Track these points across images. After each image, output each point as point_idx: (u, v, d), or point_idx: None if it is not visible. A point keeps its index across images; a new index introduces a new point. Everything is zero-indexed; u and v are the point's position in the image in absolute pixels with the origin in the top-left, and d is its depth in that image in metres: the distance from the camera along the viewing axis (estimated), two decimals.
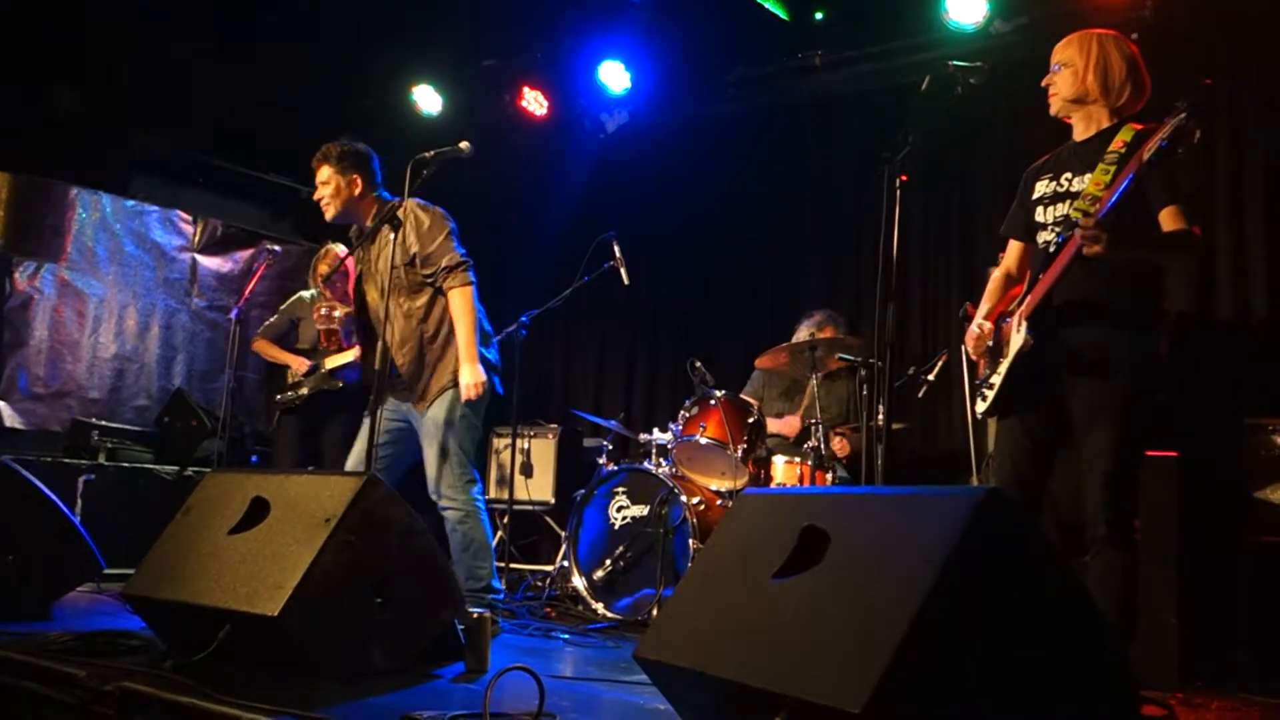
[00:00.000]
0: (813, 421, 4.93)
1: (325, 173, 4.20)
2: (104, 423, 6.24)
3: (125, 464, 5.90)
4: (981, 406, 3.19)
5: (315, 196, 4.17)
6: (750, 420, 4.91)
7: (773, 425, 5.36)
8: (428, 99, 7.30)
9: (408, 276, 4.08)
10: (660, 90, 6.73)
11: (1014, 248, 3.37)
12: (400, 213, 4.01)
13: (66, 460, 5.72)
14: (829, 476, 4.93)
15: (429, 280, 4.08)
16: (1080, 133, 3.17)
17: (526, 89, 7.05)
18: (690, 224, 7.02)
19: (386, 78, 7.39)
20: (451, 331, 4.08)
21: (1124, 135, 3.01)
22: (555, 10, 6.53)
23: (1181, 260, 3.10)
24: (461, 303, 4.04)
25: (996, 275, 3.39)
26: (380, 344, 3.90)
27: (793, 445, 5.33)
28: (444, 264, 4.05)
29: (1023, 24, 5.39)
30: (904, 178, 3.26)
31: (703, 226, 6.99)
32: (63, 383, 6.59)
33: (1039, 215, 3.16)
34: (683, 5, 6.36)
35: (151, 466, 5.96)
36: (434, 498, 4.05)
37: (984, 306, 3.34)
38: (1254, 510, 4.01)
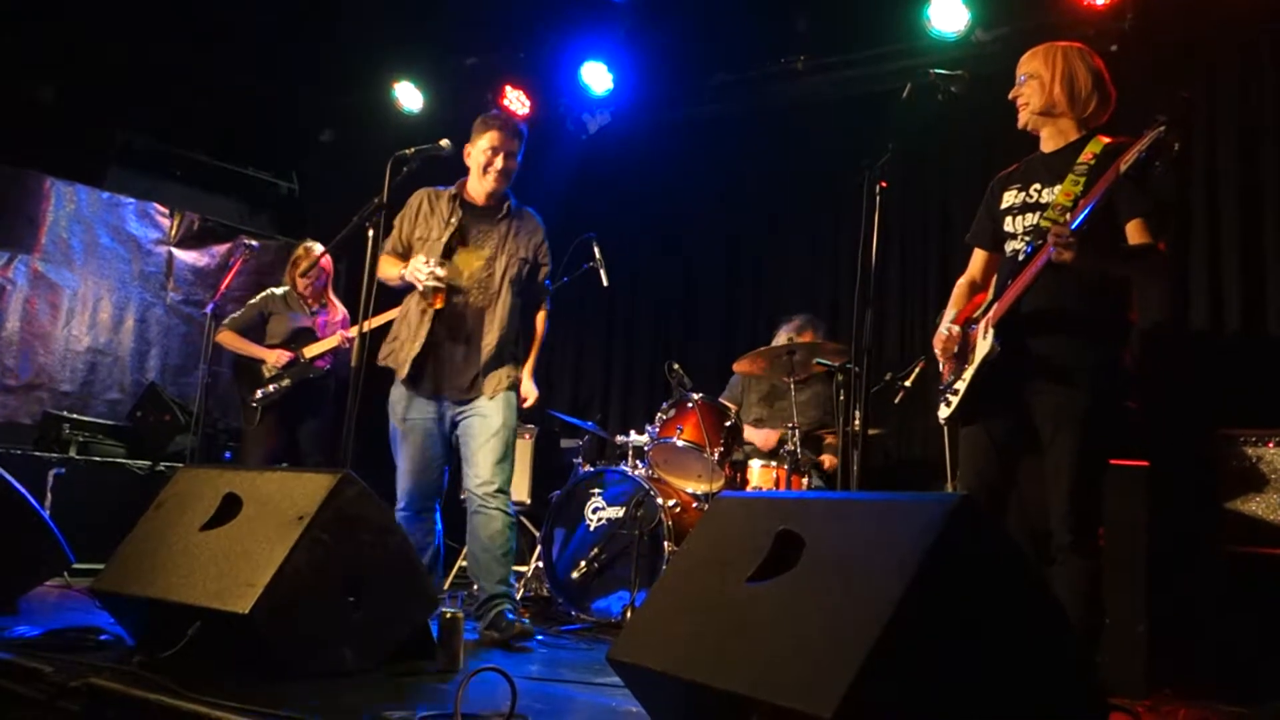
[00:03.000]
0: (789, 426, 4.94)
1: (517, 146, 4.21)
2: (76, 416, 6.19)
3: (96, 458, 5.86)
4: (945, 412, 3.20)
5: (501, 166, 4.14)
6: (727, 424, 4.92)
7: (749, 434, 5.36)
8: (409, 96, 7.27)
9: (521, 273, 4.22)
10: (642, 92, 6.73)
11: (979, 256, 3.39)
12: (531, 218, 4.32)
13: (37, 453, 5.67)
14: (805, 481, 4.94)
15: (531, 291, 4.29)
16: (1049, 145, 3.19)
17: (509, 88, 7.03)
18: (670, 226, 7.03)
19: (368, 74, 7.36)
20: (519, 341, 4.26)
21: (1093, 148, 3.04)
22: (538, 10, 6.53)
23: (1146, 273, 3.12)
24: (546, 324, 4.42)
25: (961, 283, 3.41)
26: (357, 339, 3.84)
27: (769, 453, 5.34)
28: (548, 284, 4.37)
29: (1004, 34, 5.43)
30: (883, 184, 3.27)
31: (683, 229, 7.00)
32: (34, 375, 6.54)
33: (1008, 225, 3.18)
34: (665, 8, 6.37)
35: (123, 461, 5.91)
36: (478, 494, 4.07)
37: (950, 312, 3.36)
38: (1224, 520, 4.05)
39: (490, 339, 4.12)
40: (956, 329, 3.23)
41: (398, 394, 4.19)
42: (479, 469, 4.07)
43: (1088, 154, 3.03)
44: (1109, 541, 3.01)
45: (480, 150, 4.15)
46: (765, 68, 6.43)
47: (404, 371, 4.11)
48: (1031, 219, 3.10)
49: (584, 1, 6.42)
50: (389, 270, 4.12)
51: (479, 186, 4.19)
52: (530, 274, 4.26)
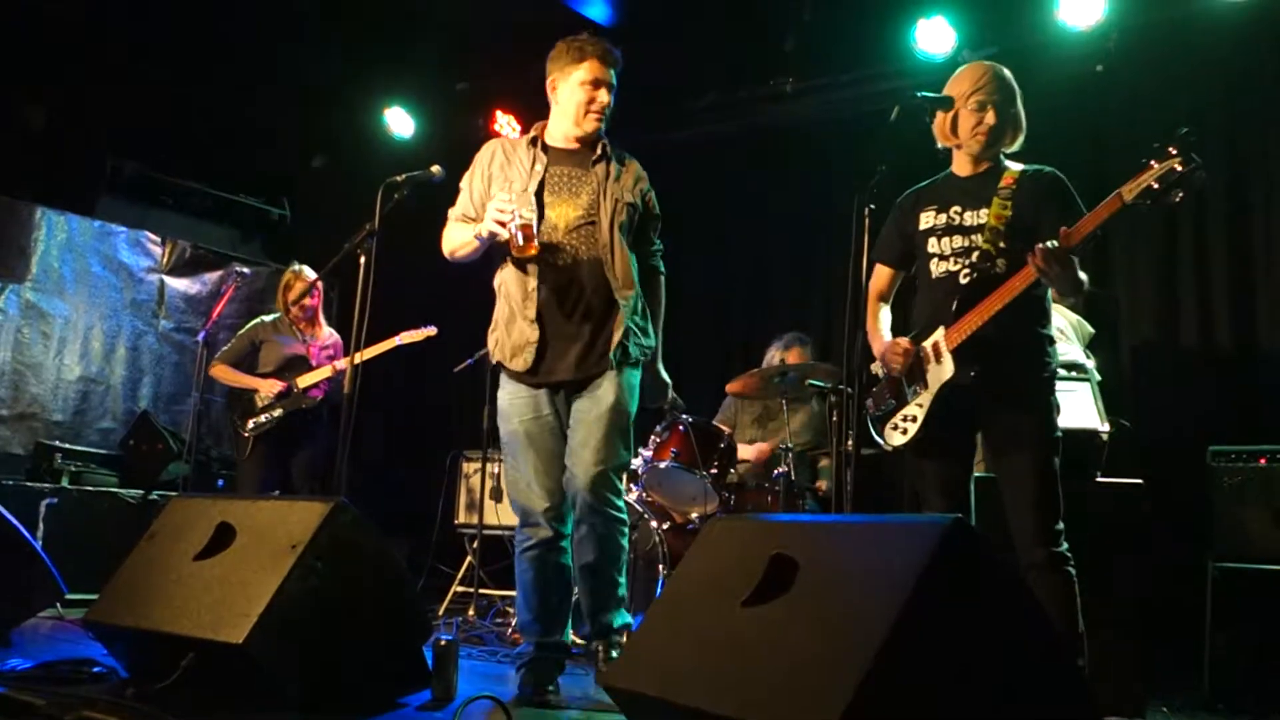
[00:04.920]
0: (783, 447, 4.94)
1: (614, 78, 3.52)
2: (68, 445, 6.17)
3: (89, 487, 5.83)
4: (900, 439, 3.20)
5: (605, 101, 3.48)
6: (721, 446, 4.92)
7: (743, 452, 5.36)
8: (400, 121, 7.31)
9: (631, 219, 3.53)
10: (630, 115, 6.72)
11: (885, 273, 3.43)
12: (633, 164, 3.67)
13: (29, 483, 5.65)
14: (800, 503, 4.94)
15: (639, 244, 3.62)
16: (965, 168, 3.25)
17: (499, 113, 7.06)
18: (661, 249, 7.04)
19: (359, 100, 7.39)
20: (646, 307, 3.60)
21: (1010, 174, 3.13)
22: (529, 33, 6.55)
23: (1069, 304, 3.18)
24: (663, 289, 3.70)
25: (874, 299, 3.43)
26: (349, 368, 3.82)
27: (763, 471, 5.34)
28: (658, 242, 3.70)
29: (990, 55, 5.46)
30: (872, 206, 3.29)
31: (673, 251, 6.98)
32: (26, 404, 6.51)
33: (932, 246, 3.21)
34: (653, 31, 6.40)
35: (116, 490, 5.89)
36: (585, 498, 3.32)
37: (880, 329, 3.37)
38: (1216, 536, 4.06)
39: (622, 294, 3.42)
40: (906, 341, 3.24)
41: (512, 392, 3.48)
42: (585, 461, 3.32)
43: (1008, 179, 3.12)
44: (1101, 559, 3.03)
45: (577, 84, 3.46)
46: (754, 90, 6.48)
47: (524, 359, 3.38)
48: (960, 241, 3.15)
49: (572, 26, 6.45)
50: (459, 236, 3.47)
51: (574, 129, 3.50)
52: (641, 226, 3.59)
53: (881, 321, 3.39)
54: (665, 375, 3.66)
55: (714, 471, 4.85)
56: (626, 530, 3.47)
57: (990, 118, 3.14)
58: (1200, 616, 4.04)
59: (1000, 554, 2.09)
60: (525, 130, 5.40)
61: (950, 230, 3.17)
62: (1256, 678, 3.86)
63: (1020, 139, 3.21)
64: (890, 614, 1.85)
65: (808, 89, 6.28)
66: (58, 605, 4.04)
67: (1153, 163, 2.74)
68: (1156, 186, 2.72)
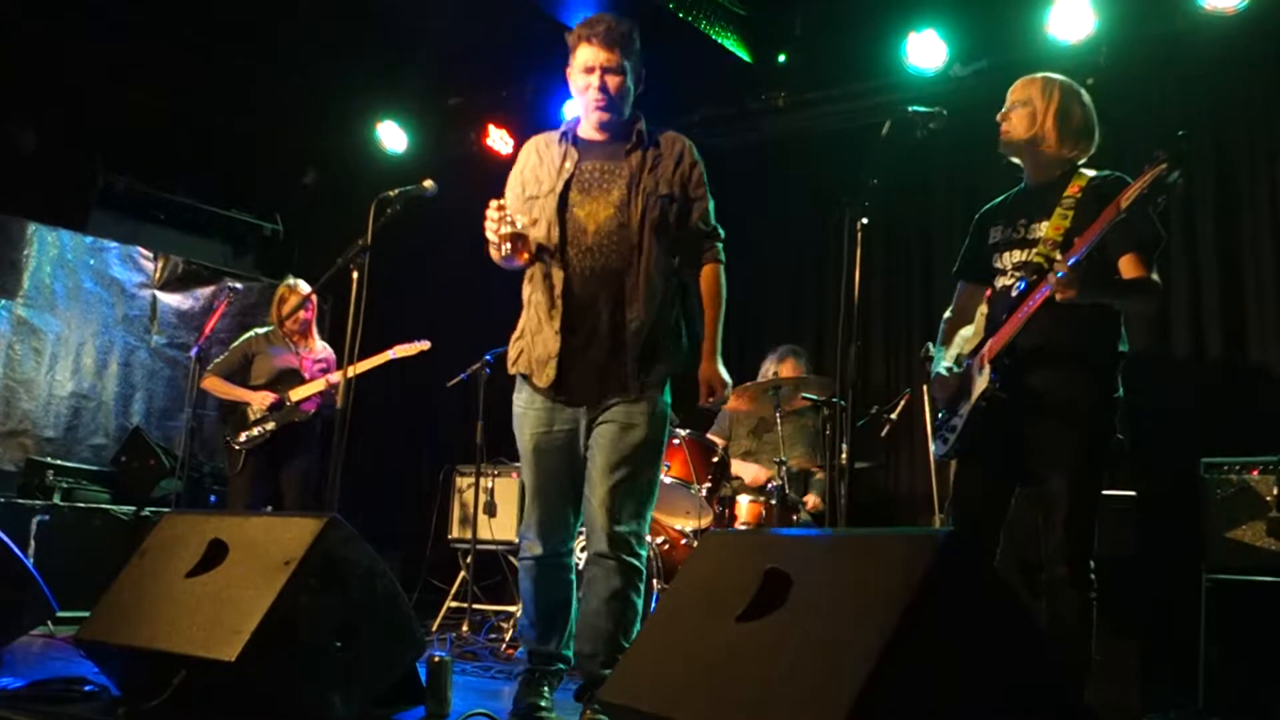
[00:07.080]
0: (778, 461, 4.94)
1: (620, 58, 3.24)
2: (59, 462, 6.15)
3: (81, 504, 5.81)
4: (941, 449, 3.20)
5: (600, 85, 3.20)
6: (715, 460, 4.91)
7: (738, 468, 5.36)
8: (392, 136, 7.32)
9: (666, 216, 3.23)
10: None
11: (966, 290, 3.39)
12: (675, 141, 3.38)
13: (20, 500, 5.63)
14: (794, 517, 4.93)
15: (688, 238, 3.33)
16: (1033, 179, 3.20)
17: (492, 127, 7.07)
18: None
19: (351, 115, 7.40)
20: (679, 317, 3.32)
21: (1078, 181, 3.04)
22: (521, 48, 6.57)
23: (1142, 306, 3.12)
24: (722, 282, 3.34)
25: (950, 318, 3.42)
26: (341, 382, 3.80)
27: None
28: (714, 225, 3.37)
29: (981, 69, 5.49)
30: (864, 220, 3.28)
31: None
32: (17, 421, 6.48)
33: (996, 261, 3.18)
34: (646, 44, 6.42)
35: (108, 507, 5.86)
36: (599, 540, 3.14)
37: (944, 351, 3.36)
38: (1211, 547, 4.06)
39: (637, 311, 3.16)
40: (957, 370, 3.22)
41: (526, 400, 3.31)
42: (602, 501, 3.12)
43: (1074, 187, 3.03)
44: (1097, 572, 3.02)
45: (577, 72, 3.24)
46: (746, 104, 6.50)
47: (547, 374, 3.19)
48: (1020, 255, 3.10)
49: (563, 39, 6.47)
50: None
51: (587, 119, 3.29)
52: (681, 216, 3.28)
53: (951, 342, 3.35)
54: (725, 374, 3.36)
55: (708, 485, 4.85)
56: (641, 586, 3.20)
57: (1012, 116, 3.13)
58: (1195, 628, 4.04)
59: (994, 568, 2.08)
60: (517, 146, 5.24)
61: (1011, 245, 3.13)
62: (1251, 688, 3.86)
63: (1084, 145, 3.13)
64: (885, 630, 1.85)
65: (800, 103, 6.30)
66: (49, 623, 4.02)
67: (1146, 168, 2.74)
68: (1148, 192, 2.73)
